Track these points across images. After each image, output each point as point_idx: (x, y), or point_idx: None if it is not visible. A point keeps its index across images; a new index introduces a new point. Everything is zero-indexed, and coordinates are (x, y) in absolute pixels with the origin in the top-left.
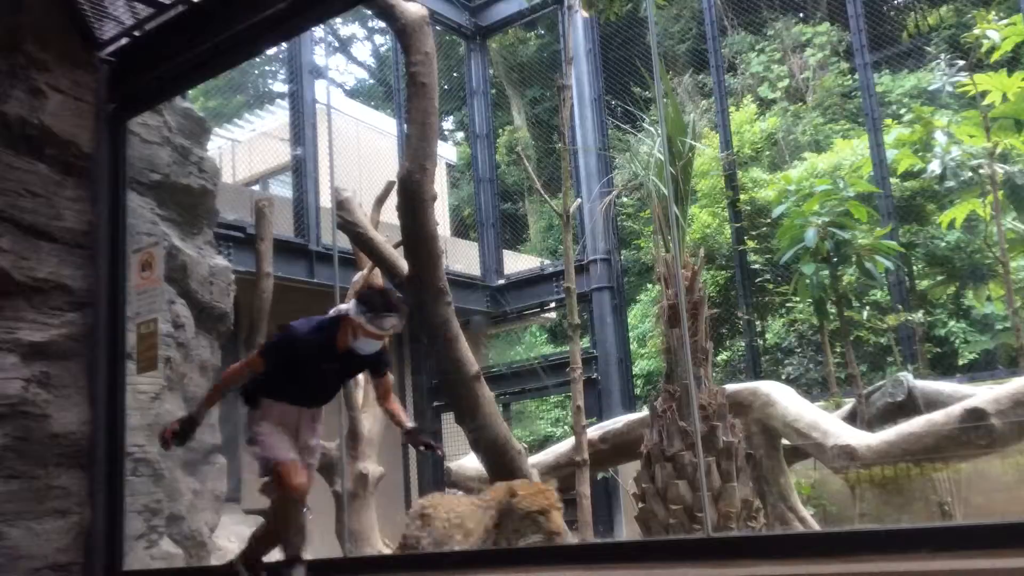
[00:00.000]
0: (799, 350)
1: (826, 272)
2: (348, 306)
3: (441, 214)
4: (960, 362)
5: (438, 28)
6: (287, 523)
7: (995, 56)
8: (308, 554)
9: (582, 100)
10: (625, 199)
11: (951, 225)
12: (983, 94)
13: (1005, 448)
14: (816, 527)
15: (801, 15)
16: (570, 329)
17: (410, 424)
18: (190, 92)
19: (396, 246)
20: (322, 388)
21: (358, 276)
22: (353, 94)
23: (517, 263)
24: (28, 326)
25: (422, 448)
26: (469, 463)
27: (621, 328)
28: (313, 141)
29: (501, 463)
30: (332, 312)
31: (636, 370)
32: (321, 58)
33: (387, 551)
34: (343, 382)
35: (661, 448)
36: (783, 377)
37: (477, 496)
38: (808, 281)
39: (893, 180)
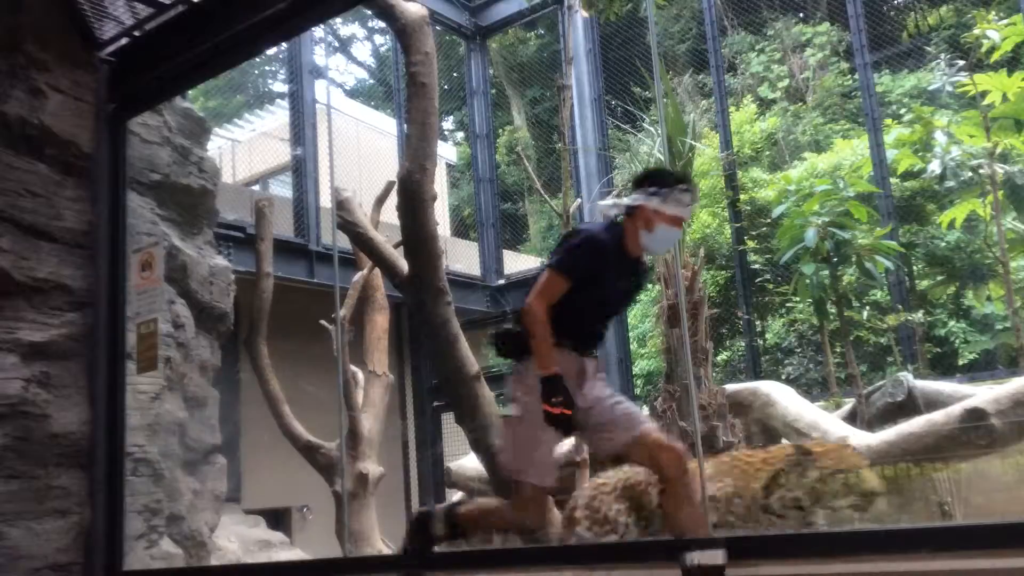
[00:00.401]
0: (799, 350)
1: (826, 272)
2: (623, 202)
3: (441, 214)
4: (960, 362)
5: (438, 28)
6: (495, 526)
7: (995, 56)
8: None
9: (582, 100)
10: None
11: (951, 225)
12: (983, 94)
13: (1005, 448)
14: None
15: (801, 15)
16: None
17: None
18: (190, 92)
19: (396, 246)
20: (608, 319)
21: (358, 276)
22: (353, 94)
23: (517, 263)
24: (28, 326)
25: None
26: (469, 463)
27: (621, 328)
28: (313, 141)
29: None
30: (609, 208)
31: (636, 370)
32: (321, 58)
33: (387, 551)
34: (620, 312)
35: None
36: (783, 377)
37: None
38: (808, 281)
39: (893, 180)
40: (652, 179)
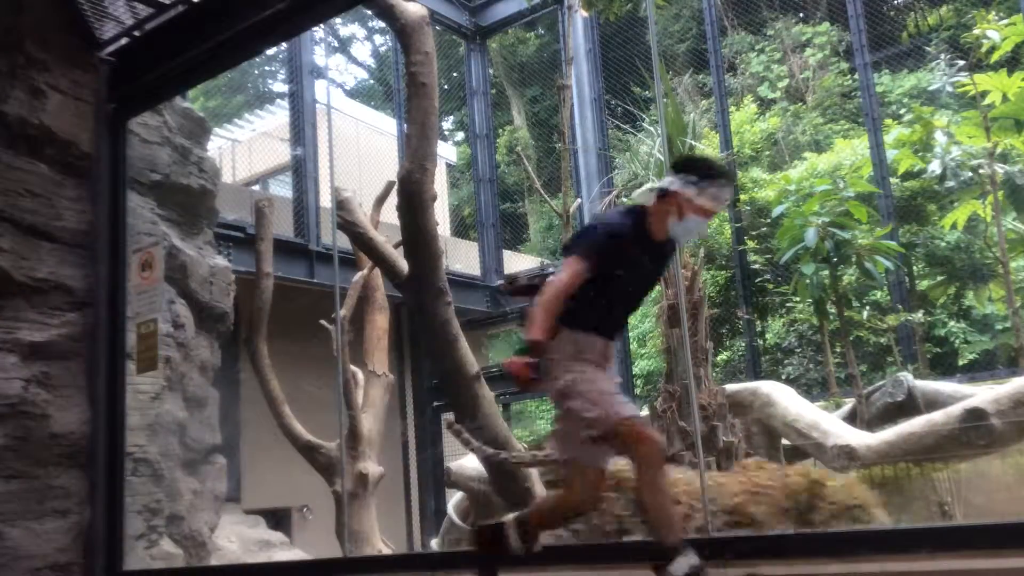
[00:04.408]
0: (799, 350)
1: (826, 272)
2: (658, 184)
3: (441, 214)
4: (960, 362)
5: (438, 28)
6: (665, 503)
7: (995, 56)
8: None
9: (582, 100)
10: (625, 199)
11: (953, 226)
12: (983, 94)
13: (1005, 448)
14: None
15: (801, 15)
16: None
17: None
18: (190, 92)
19: (396, 246)
20: (632, 303)
21: (358, 276)
22: (353, 94)
23: (517, 263)
24: (28, 326)
25: None
26: (469, 463)
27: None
28: (313, 141)
29: (501, 463)
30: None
31: (636, 370)
32: (321, 58)
33: (387, 551)
34: (645, 295)
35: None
36: (783, 377)
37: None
38: (808, 281)
39: (893, 180)
40: (693, 167)
